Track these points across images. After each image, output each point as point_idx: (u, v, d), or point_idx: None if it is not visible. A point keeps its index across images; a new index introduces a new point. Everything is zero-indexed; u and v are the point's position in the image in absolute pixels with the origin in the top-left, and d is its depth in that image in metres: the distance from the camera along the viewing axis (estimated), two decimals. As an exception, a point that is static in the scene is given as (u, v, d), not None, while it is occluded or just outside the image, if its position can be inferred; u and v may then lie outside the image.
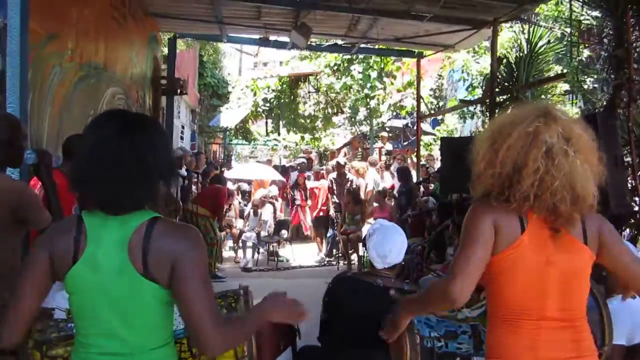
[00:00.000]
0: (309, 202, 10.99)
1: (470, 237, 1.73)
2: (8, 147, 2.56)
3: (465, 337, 2.12)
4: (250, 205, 10.55)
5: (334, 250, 9.86)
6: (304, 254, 10.36)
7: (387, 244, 2.74)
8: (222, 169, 12.75)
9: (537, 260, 1.70)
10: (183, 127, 13.91)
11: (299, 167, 12.35)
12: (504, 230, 1.70)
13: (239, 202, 11.34)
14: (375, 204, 9.69)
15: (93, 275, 1.48)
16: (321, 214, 10.41)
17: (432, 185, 9.44)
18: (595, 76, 8.35)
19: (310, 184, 11.14)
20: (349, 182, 9.96)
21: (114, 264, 1.48)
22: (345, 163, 10.66)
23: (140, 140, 1.52)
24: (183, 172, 8.30)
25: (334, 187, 10.15)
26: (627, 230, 5.06)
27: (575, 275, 1.74)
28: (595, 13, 6.31)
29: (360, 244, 8.11)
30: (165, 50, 10.28)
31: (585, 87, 8.63)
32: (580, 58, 8.49)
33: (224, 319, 1.57)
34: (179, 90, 9.76)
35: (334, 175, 10.32)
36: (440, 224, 6.81)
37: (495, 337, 1.78)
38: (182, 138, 13.70)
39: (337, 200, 10.01)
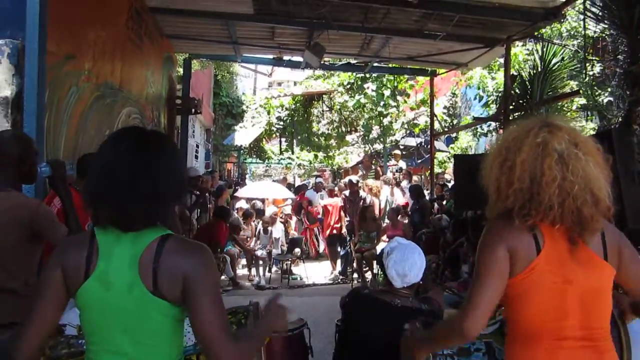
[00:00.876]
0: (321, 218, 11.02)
1: (484, 268, 1.71)
2: (20, 164, 2.60)
3: (479, 354, 2.08)
4: (261, 223, 10.59)
5: (348, 268, 9.80)
6: (317, 272, 10.31)
7: (407, 263, 2.69)
8: (237, 188, 12.83)
9: (555, 280, 1.67)
10: (198, 146, 14.03)
11: (314, 186, 12.37)
12: (519, 253, 1.68)
13: (254, 221, 11.38)
14: (387, 222, 9.65)
15: (104, 292, 1.48)
16: (334, 232, 10.38)
17: (446, 202, 9.39)
18: (611, 91, 8.31)
19: (324, 201, 11.14)
20: (362, 200, 9.94)
21: (124, 281, 1.48)
22: (358, 181, 10.65)
23: (152, 158, 1.53)
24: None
25: (347, 206, 10.14)
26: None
27: (596, 293, 1.70)
28: (608, 28, 6.29)
29: (375, 262, 8.06)
30: (181, 70, 10.43)
31: (601, 102, 8.58)
32: (594, 73, 8.45)
33: (236, 335, 1.57)
34: (193, 110, 9.88)
35: (346, 193, 10.31)
36: (455, 242, 6.75)
37: (513, 357, 1.74)
38: (196, 157, 13.80)
39: (349, 219, 9.99)
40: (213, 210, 9.18)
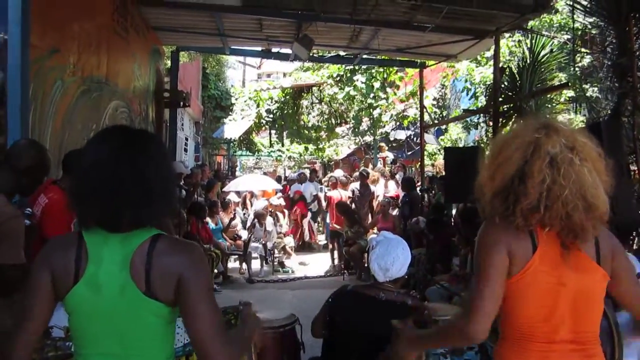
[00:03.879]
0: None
1: (484, 270, 1.67)
2: (24, 174, 2.53)
3: (472, 352, 2.08)
4: (252, 215, 10.53)
5: (341, 262, 9.77)
6: (310, 265, 10.30)
7: (389, 258, 2.69)
8: (226, 181, 12.79)
9: (549, 281, 1.64)
10: (187, 139, 13.94)
11: (298, 179, 12.36)
12: (517, 254, 1.65)
13: (244, 214, 11.33)
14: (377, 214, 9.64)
15: (94, 295, 1.45)
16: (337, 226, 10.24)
17: (434, 194, 9.39)
18: (599, 85, 8.33)
19: (330, 193, 10.95)
20: (372, 193, 9.89)
21: (115, 283, 1.45)
22: (369, 173, 10.47)
23: (139, 157, 1.50)
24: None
25: (356, 199, 10.00)
26: (636, 240, 5.00)
27: (587, 296, 1.67)
28: (596, 20, 6.30)
29: (363, 256, 8.06)
30: (169, 63, 10.32)
31: (589, 95, 8.59)
32: (582, 65, 8.45)
33: (228, 335, 1.56)
34: (182, 103, 9.79)
35: (356, 185, 10.19)
36: (436, 240, 6.79)
37: (504, 358, 1.73)
38: (186, 150, 13.72)
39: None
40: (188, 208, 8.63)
